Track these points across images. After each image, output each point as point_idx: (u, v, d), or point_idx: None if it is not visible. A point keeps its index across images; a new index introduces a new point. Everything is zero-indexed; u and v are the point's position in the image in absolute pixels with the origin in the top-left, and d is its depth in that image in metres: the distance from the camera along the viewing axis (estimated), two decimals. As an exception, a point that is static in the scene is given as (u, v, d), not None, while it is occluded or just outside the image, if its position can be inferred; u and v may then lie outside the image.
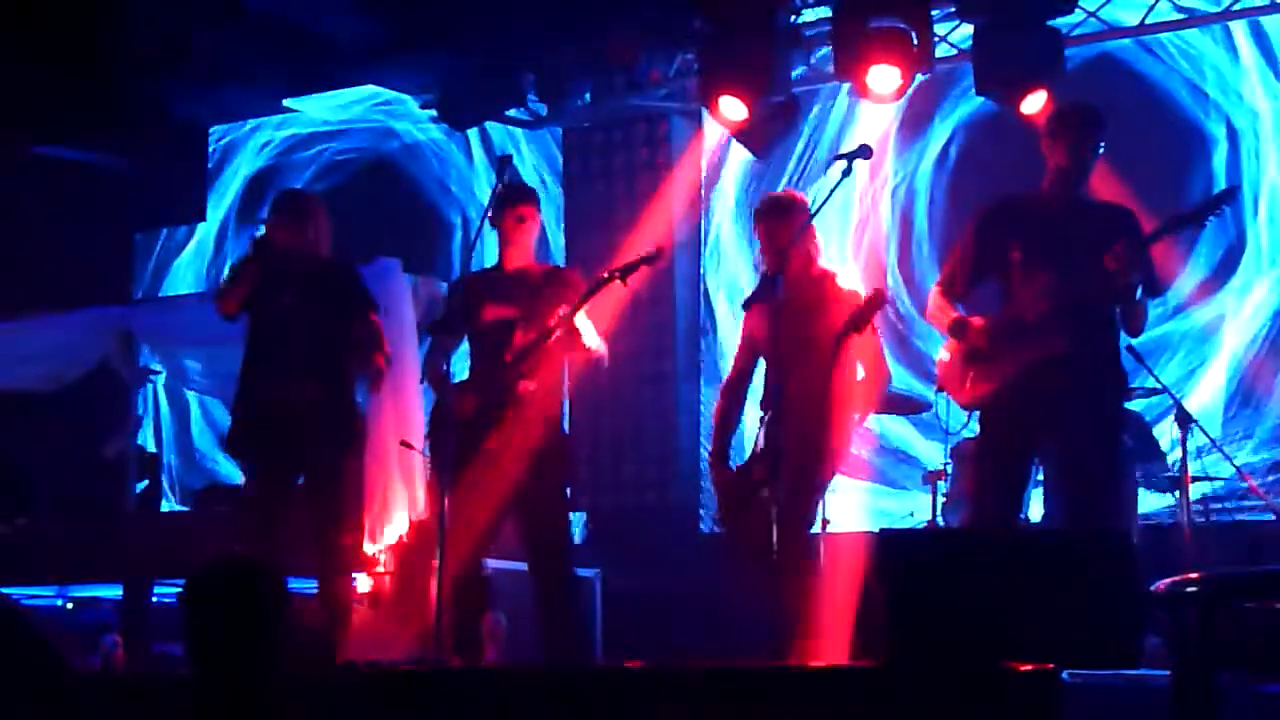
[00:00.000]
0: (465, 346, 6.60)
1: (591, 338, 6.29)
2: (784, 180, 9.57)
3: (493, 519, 6.35)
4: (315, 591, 6.27)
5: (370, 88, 10.53)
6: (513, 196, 6.55)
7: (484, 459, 6.22)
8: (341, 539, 6.25)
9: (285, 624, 3.76)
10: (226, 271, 6.68)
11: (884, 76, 8.06)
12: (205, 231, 11.96)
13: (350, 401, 6.38)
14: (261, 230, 6.46)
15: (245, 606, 3.73)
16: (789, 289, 5.86)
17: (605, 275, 6.26)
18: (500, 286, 6.45)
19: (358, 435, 6.45)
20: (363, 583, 7.88)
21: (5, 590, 7.53)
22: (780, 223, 6.09)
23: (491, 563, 6.60)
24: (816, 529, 7.60)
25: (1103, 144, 5.77)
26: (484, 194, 10.43)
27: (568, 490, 6.45)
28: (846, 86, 9.09)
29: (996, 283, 5.90)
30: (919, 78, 8.24)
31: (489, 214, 6.48)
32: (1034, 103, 7.86)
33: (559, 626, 6.25)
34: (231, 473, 10.89)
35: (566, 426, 6.50)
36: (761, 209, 6.26)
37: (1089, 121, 5.81)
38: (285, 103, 10.94)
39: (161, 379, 10.93)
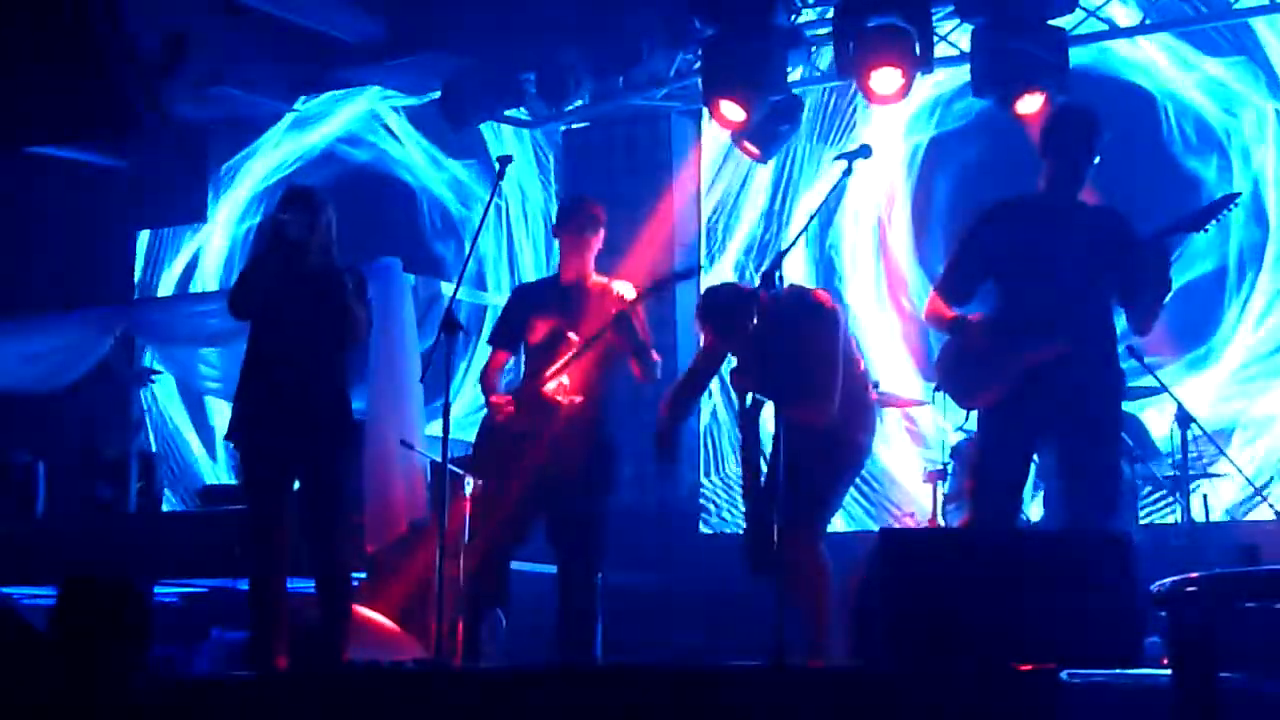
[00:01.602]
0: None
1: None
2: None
3: (527, 522, 6.46)
4: (314, 591, 6.26)
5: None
6: (582, 210, 6.59)
7: (525, 466, 6.29)
8: (339, 539, 6.23)
9: (145, 639, 3.89)
10: (244, 268, 6.54)
11: (886, 77, 8.05)
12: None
13: (346, 401, 6.36)
14: (279, 224, 6.27)
15: (115, 620, 3.82)
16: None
17: (659, 280, 6.53)
18: (556, 298, 6.51)
19: (353, 435, 6.40)
20: (363, 583, 7.88)
21: (5, 590, 7.54)
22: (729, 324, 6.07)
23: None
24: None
25: (1099, 148, 5.75)
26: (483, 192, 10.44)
27: (605, 497, 6.46)
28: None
29: (994, 284, 5.90)
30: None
31: (553, 225, 6.55)
32: (1029, 104, 7.83)
33: (574, 628, 6.29)
34: (229, 473, 10.92)
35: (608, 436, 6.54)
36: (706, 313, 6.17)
37: (1087, 124, 5.79)
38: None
39: (162, 379, 10.95)
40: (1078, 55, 8.22)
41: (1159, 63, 8.90)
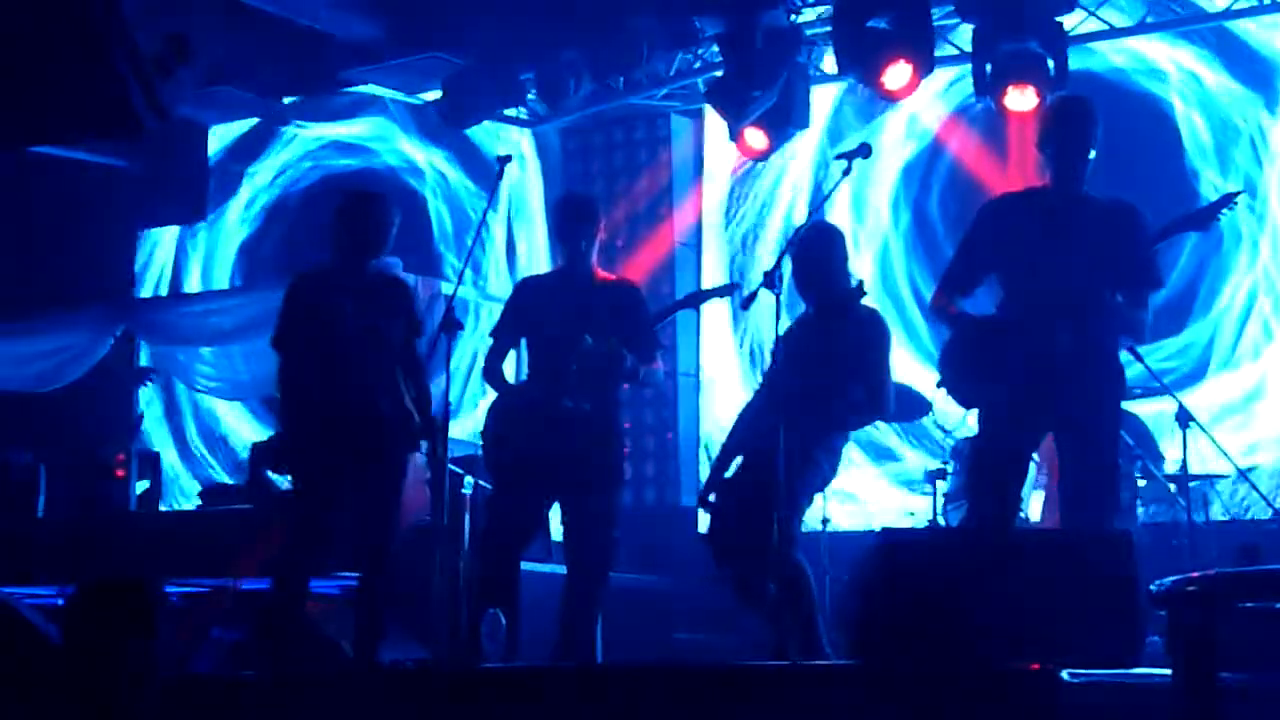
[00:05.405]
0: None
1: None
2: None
3: (537, 522, 6.50)
4: (357, 591, 6.27)
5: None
6: (578, 205, 6.60)
7: (536, 464, 6.26)
8: (390, 542, 6.24)
9: (154, 635, 4.14)
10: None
11: (898, 72, 8.05)
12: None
13: (407, 408, 6.32)
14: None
15: (137, 616, 4.02)
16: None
17: (683, 300, 6.57)
18: (562, 292, 6.44)
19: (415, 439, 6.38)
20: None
21: (5, 590, 7.54)
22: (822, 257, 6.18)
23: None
24: (818, 528, 7.64)
25: (1096, 137, 5.73)
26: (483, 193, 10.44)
27: (617, 496, 6.44)
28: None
29: (998, 280, 5.88)
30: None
31: (552, 224, 6.49)
32: (1017, 99, 7.82)
33: (577, 628, 6.27)
34: (226, 473, 10.92)
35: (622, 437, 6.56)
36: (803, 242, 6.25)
37: (1082, 115, 5.77)
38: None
39: (161, 379, 10.95)
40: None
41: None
